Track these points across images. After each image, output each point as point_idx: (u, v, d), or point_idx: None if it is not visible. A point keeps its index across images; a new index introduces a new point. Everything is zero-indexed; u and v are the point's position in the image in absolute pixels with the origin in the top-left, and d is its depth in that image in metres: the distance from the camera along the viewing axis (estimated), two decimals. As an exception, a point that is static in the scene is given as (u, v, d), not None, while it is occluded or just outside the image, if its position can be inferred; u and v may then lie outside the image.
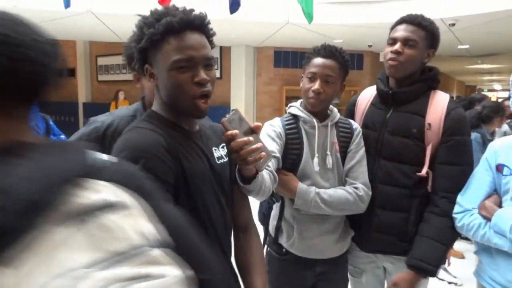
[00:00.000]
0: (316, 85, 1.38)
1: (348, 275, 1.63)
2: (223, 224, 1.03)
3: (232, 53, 7.96)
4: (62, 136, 3.50)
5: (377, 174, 1.48)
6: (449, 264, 1.52)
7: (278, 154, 1.40)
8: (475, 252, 1.40)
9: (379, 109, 1.53)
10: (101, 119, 1.41)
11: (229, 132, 0.88)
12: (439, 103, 1.43)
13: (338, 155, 1.47)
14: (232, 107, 8.08)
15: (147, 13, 0.94)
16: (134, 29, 0.94)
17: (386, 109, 1.50)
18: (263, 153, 0.89)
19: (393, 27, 1.48)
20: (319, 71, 1.39)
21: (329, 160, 1.45)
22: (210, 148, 1.05)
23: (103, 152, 1.10)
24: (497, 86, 27.12)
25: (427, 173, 1.41)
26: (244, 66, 7.87)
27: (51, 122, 3.44)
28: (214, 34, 0.96)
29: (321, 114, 1.47)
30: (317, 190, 1.41)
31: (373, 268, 1.58)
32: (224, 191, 1.04)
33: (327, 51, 1.40)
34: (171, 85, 0.90)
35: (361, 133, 1.51)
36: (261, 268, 1.09)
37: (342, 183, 1.48)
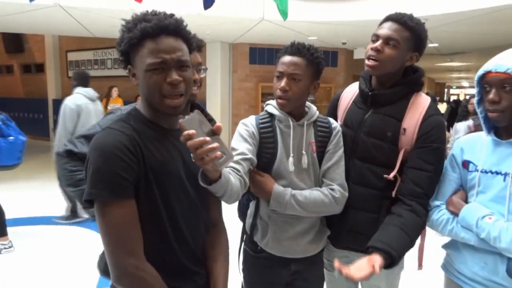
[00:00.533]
0: (282, 83, 1.37)
1: (324, 269, 1.63)
2: (192, 218, 1.10)
3: (208, 49, 7.88)
4: (11, 138, 3.35)
5: (350, 173, 1.47)
6: (421, 267, 1.53)
7: (249, 155, 1.37)
8: (443, 246, 1.43)
9: (359, 108, 1.51)
10: (124, 108, 1.44)
11: (186, 133, 0.91)
12: (417, 108, 1.41)
13: (315, 155, 1.45)
14: (208, 104, 8.02)
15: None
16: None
17: (366, 109, 1.48)
18: (218, 152, 0.91)
19: (380, 24, 1.43)
20: (285, 69, 1.37)
21: (305, 160, 1.43)
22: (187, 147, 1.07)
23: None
24: (465, 83, 28.12)
25: (395, 177, 1.40)
26: (219, 63, 7.82)
27: None
28: (192, 36, 1.04)
29: (297, 113, 1.45)
30: (293, 192, 1.39)
31: (345, 262, 1.57)
32: (198, 188, 1.09)
33: (294, 48, 1.38)
34: (146, 85, 0.98)
35: (340, 133, 1.49)
36: (226, 260, 1.20)
37: (319, 183, 1.47)
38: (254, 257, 1.53)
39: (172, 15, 1.00)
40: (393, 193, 1.40)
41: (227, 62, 8.05)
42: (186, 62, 0.98)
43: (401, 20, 1.38)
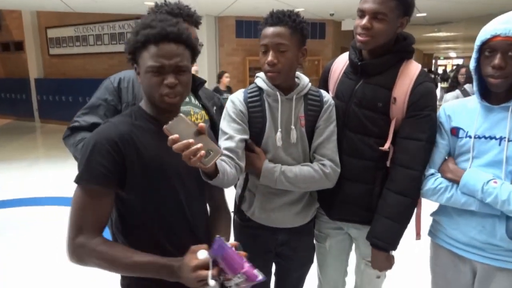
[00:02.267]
0: (269, 57, 1.32)
1: (314, 240, 1.66)
2: (190, 206, 1.19)
3: (193, 23, 7.70)
4: None
5: (343, 146, 1.46)
6: (419, 237, 1.55)
7: (238, 136, 1.36)
8: (432, 214, 1.45)
9: (349, 79, 1.48)
10: (112, 77, 1.57)
11: (170, 138, 0.95)
12: (407, 77, 1.38)
13: (303, 129, 1.43)
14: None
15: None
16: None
17: (356, 80, 1.46)
18: (202, 152, 0.95)
19: None
20: (269, 41, 1.32)
21: (293, 135, 1.40)
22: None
23: (121, 102, 1.55)
24: (452, 53, 28.18)
25: (389, 147, 1.39)
26: (205, 36, 7.65)
27: None
28: (193, 43, 1.11)
29: (286, 86, 1.41)
30: (283, 168, 1.38)
31: (338, 234, 1.62)
32: (194, 179, 1.17)
33: (275, 17, 1.32)
34: (147, 84, 1.10)
35: (331, 107, 1.45)
36: (227, 230, 1.30)
37: (308, 157, 1.46)
38: (242, 225, 1.55)
39: (177, 22, 1.08)
40: (388, 163, 1.41)
41: (213, 36, 7.90)
42: (183, 67, 1.08)
43: None
